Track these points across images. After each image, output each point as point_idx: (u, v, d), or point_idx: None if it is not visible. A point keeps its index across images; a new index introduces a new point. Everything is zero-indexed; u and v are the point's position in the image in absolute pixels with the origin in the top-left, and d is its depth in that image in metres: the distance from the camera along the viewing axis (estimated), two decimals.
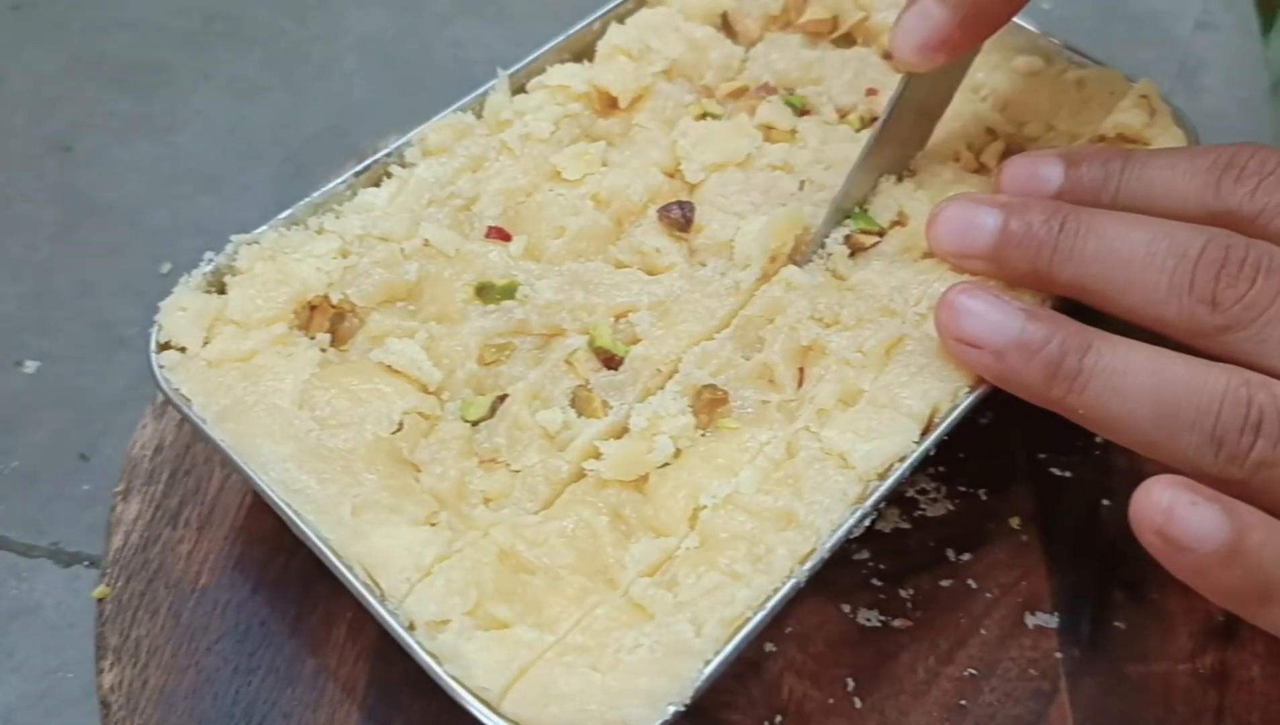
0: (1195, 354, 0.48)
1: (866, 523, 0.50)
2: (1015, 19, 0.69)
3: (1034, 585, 0.58)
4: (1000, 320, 0.50)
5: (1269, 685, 0.55)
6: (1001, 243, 0.53)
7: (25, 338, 0.72)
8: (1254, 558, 0.44)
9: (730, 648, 0.46)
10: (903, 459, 0.51)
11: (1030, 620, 0.57)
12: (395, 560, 0.48)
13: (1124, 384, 0.48)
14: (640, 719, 0.44)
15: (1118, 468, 0.61)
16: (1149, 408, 0.47)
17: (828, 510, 0.49)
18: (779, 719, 0.54)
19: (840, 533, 0.49)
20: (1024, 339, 0.50)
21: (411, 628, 0.47)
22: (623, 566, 0.49)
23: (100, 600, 0.58)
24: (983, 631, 0.56)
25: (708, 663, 0.45)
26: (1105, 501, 0.60)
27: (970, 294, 0.51)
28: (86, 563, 0.62)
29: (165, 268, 0.72)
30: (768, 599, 0.47)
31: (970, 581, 0.58)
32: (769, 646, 0.55)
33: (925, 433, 0.52)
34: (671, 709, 0.44)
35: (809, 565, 0.48)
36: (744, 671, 0.55)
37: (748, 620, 0.46)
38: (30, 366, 0.70)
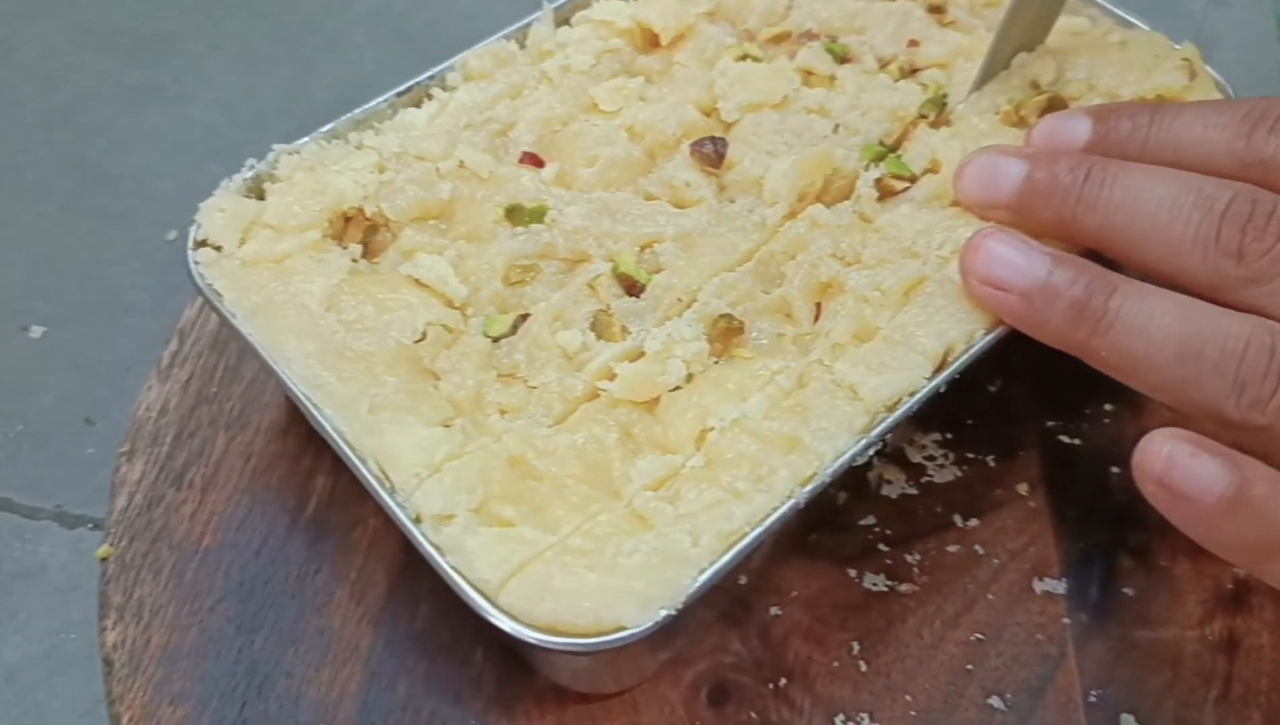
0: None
1: (871, 452, 0.50)
2: None
3: (1042, 551, 0.57)
4: (1027, 264, 0.51)
5: (1279, 653, 0.54)
6: (1026, 192, 0.54)
7: (33, 303, 0.72)
8: (1258, 509, 0.44)
9: (725, 560, 0.46)
10: (912, 394, 0.51)
11: (1038, 586, 0.56)
12: (407, 456, 0.49)
13: (1148, 326, 0.48)
14: (631, 619, 0.45)
15: (1127, 436, 0.61)
16: (1172, 350, 0.47)
17: (833, 437, 0.50)
18: (784, 682, 0.53)
19: (843, 459, 0.49)
20: (1050, 282, 0.50)
21: (418, 520, 0.48)
22: (628, 480, 0.50)
23: (103, 560, 0.58)
24: (990, 597, 0.56)
25: (702, 572, 0.46)
26: (1114, 469, 0.60)
27: (998, 238, 0.52)
28: (91, 525, 0.62)
29: (172, 235, 0.72)
30: (766, 517, 0.47)
31: (977, 547, 0.58)
32: (774, 609, 0.55)
33: (938, 373, 0.52)
34: (663, 612, 0.45)
35: (809, 488, 0.48)
36: (749, 635, 0.55)
37: (744, 535, 0.47)
38: (37, 331, 0.71)
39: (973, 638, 0.55)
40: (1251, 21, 0.79)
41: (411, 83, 0.63)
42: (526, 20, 0.66)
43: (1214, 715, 0.53)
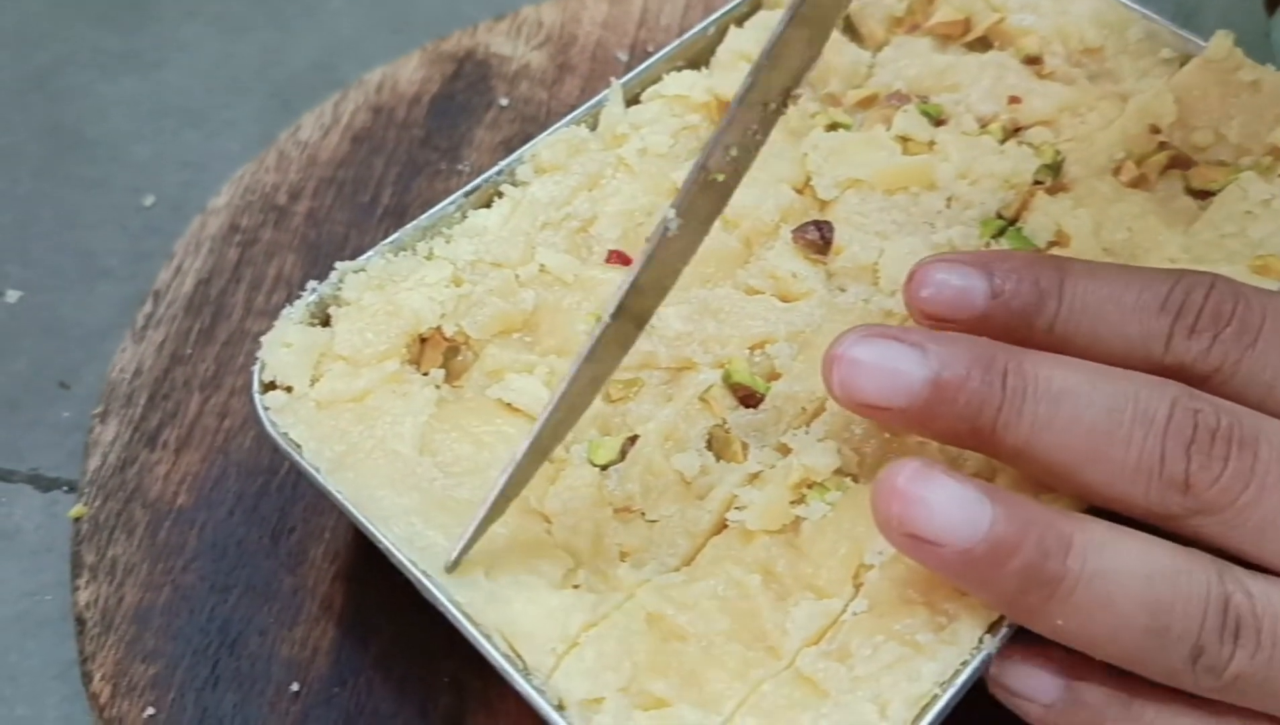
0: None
1: None
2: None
3: None
4: (967, 514, 0.39)
5: None
6: (933, 398, 0.42)
7: (7, 267, 0.72)
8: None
9: None
10: None
11: None
12: (539, 628, 0.44)
13: (1114, 593, 0.39)
14: None
15: None
16: (1142, 622, 0.39)
17: None
18: None
19: None
20: (995, 536, 0.39)
21: (561, 707, 0.42)
22: (784, 632, 0.44)
23: (76, 520, 0.58)
24: None
25: None
26: None
27: (925, 481, 0.40)
28: (65, 488, 0.62)
29: (149, 201, 0.71)
30: (956, 674, 0.42)
31: None
32: None
33: None
34: None
35: (1000, 635, 0.42)
36: None
37: (936, 699, 0.41)
38: (12, 296, 0.70)
39: None
40: None
41: (479, 181, 0.57)
42: (594, 100, 0.60)
43: None
